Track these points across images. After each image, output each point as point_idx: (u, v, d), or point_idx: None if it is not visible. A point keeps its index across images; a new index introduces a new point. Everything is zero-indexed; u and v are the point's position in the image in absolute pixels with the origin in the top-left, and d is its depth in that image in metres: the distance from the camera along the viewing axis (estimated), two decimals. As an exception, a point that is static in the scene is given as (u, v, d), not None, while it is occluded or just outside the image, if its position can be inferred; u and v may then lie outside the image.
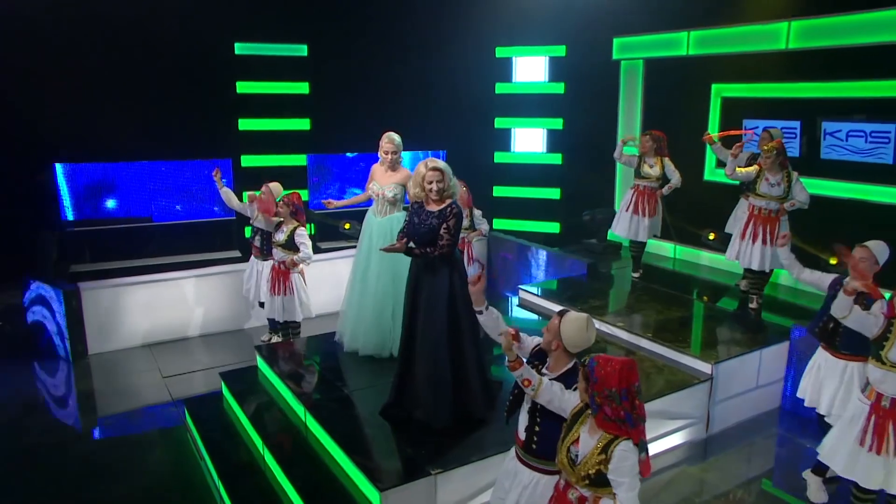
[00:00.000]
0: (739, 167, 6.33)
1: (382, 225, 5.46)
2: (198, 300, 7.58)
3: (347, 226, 8.91)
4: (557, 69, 9.93)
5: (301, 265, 6.21)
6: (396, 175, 5.49)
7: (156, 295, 7.36)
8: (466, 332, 4.35)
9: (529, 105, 10.07)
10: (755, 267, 6.32)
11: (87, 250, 7.98)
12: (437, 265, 4.23)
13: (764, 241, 6.25)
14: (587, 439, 2.82)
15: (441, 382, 4.35)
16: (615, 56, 9.07)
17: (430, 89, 9.62)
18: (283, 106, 9.04)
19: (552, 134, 10.19)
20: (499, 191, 10.30)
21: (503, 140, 10.32)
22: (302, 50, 9.06)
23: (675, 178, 7.22)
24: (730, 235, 6.82)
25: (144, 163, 8.30)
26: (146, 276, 7.37)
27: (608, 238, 8.84)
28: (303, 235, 6.10)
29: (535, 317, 6.91)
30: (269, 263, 6.54)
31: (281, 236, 6.13)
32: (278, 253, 6.17)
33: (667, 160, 7.26)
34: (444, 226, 4.17)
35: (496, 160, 10.42)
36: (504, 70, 10.18)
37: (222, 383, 5.80)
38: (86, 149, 8.06)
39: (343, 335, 5.76)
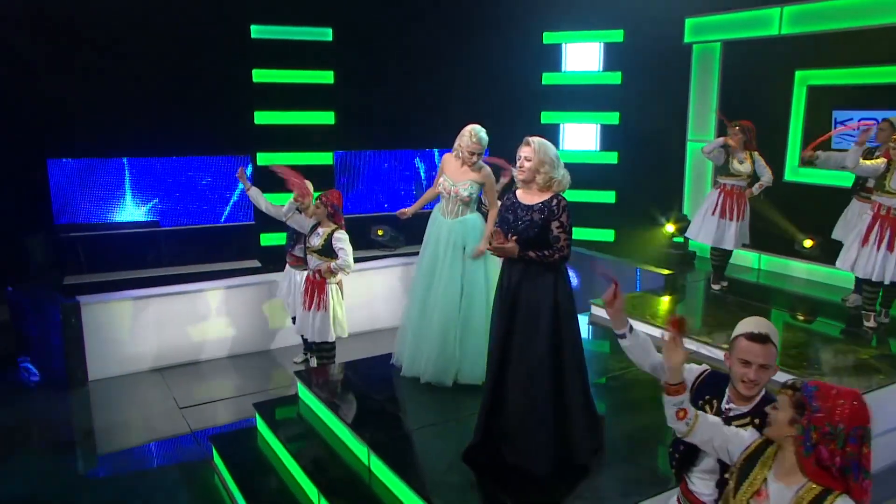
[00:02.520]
0: (863, 160, 5.75)
1: (453, 229, 5.03)
2: (215, 317, 7.18)
3: (380, 232, 8.54)
4: (614, 57, 9.58)
5: (339, 274, 5.78)
6: (474, 173, 5.05)
7: (165, 311, 6.95)
8: (570, 356, 3.90)
9: (581, 97, 9.73)
10: (886, 279, 5.74)
11: (84, 259, 7.67)
12: (541, 272, 3.81)
13: (890, 248, 5.68)
14: (781, 491, 2.27)
15: (541, 418, 3.89)
16: (687, 39, 8.69)
17: (468, 80, 9.41)
18: (305, 97, 8.80)
19: (607, 130, 9.85)
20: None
21: (550, 137, 8.83)
22: (326, 34, 8.86)
23: (767, 175, 6.81)
24: (835, 242, 6.46)
25: (149, 160, 8.02)
26: (154, 290, 6.99)
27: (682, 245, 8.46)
28: (343, 240, 5.64)
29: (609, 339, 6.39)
30: (304, 273, 6.15)
31: (317, 240, 5.71)
32: (313, 260, 5.74)
33: (757, 155, 6.85)
34: (556, 223, 3.77)
35: (542, 160, 9.91)
36: (552, 58, 9.89)
37: (256, 415, 5.28)
38: (83, 143, 7.80)
39: (401, 357, 5.32)
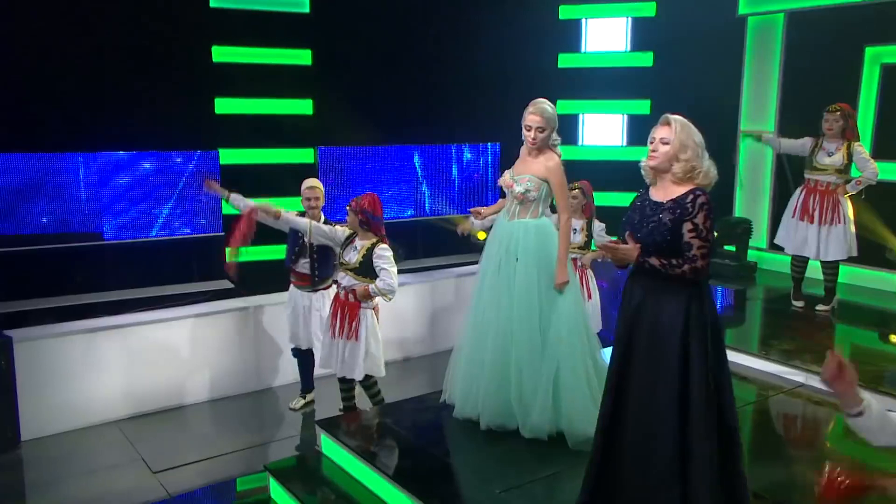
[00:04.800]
0: None
1: (509, 235, 4.75)
2: (185, 354, 6.73)
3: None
4: (644, 33, 9.55)
5: (377, 299, 5.45)
6: (537, 162, 4.72)
7: (122, 347, 6.45)
8: (699, 400, 3.50)
9: (604, 83, 9.64)
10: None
11: (6, 281, 7.06)
12: (669, 289, 3.53)
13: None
14: None
15: (666, 475, 3.53)
16: (742, 10, 8.65)
17: (470, 63, 9.27)
18: (277, 82, 8.45)
19: (635, 121, 9.72)
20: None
21: (568, 129, 9.71)
22: (302, 4, 8.45)
23: (870, 169, 6.59)
24: None
25: (86, 157, 7.48)
26: (105, 320, 6.53)
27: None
28: (386, 257, 5.32)
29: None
30: (320, 296, 6.12)
31: (353, 255, 5.42)
32: (347, 279, 5.43)
33: (857, 145, 6.65)
34: (689, 224, 3.45)
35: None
36: (570, 36, 9.83)
37: (270, 481, 4.81)
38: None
39: (453, 394, 5.03)
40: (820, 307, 7.01)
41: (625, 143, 9.85)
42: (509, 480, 4.22)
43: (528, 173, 4.70)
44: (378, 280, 5.26)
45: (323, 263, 6.01)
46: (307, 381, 6.41)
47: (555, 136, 4.69)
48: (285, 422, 6.33)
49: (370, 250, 5.32)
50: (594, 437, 3.75)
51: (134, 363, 6.52)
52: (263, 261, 7.78)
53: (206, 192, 6.07)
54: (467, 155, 9.40)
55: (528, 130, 4.65)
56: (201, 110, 8.05)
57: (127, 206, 7.65)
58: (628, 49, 9.64)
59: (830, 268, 6.93)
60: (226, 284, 7.59)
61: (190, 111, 7.94)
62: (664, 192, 3.57)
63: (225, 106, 8.18)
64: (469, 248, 9.18)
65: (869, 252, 7.57)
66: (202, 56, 8.01)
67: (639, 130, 9.56)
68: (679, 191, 3.51)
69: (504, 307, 4.67)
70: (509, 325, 4.65)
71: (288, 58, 8.41)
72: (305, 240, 5.93)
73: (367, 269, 5.32)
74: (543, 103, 4.68)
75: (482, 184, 9.48)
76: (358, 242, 5.42)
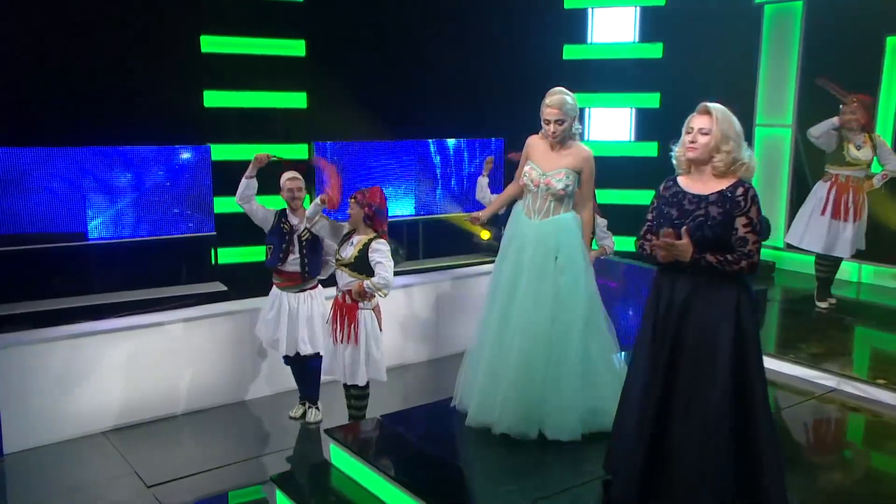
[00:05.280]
0: None
1: (545, 233, 4.70)
2: (175, 360, 6.65)
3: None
4: (653, 23, 9.50)
5: (376, 296, 5.47)
6: (570, 155, 4.70)
7: (108, 354, 6.34)
8: (759, 399, 3.62)
9: (612, 75, 9.58)
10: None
11: None
12: (718, 286, 3.59)
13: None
14: None
15: (719, 477, 3.58)
16: None
17: (475, 54, 9.28)
18: (270, 73, 8.43)
19: (644, 115, 9.74)
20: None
21: None
22: None
23: (894, 160, 6.65)
24: None
25: (68, 152, 7.35)
26: (89, 326, 6.43)
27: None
28: (382, 251, 5.37)
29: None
30: (307, 296, 6.05)
31: (349, 251, 5.45)
32: (344, 277, 5.46)
33: (878, 137, 6.74)
34: (744, 219, 3.50)
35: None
36: (576, 26, 9.78)
37: (277, 493, 4.71)
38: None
39: (466, 399, 4.97)
40: (824, 304, 7.07)
41: (633, 139, 9.81)
42: (535, 490, 4.12)
43: (561, 167, 4.66)
44: (375, 276, 5.28)
45: (313, 259, 5.96)
46: (310, 390, 6.31)
47: (576, 124, 4.67)
48: (284, 431, 6.25)
49: (366, 245, 5.35)
50: (636, 438, 3.73)
51: (123, 370, 6.46)
52: (254, 262, 7.74)
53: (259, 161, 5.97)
54: (468, 150, 9.38)
55: (548, 124, 4.63)
56: (190, 103, 8.00)
57: (112, 204, 7.58)
58: (637, 40, 9.59)
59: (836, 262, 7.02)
60: (217, 287, 7.58)
61: (178, 104, 7.87)
62: (703, 184, 3.56)
63: (215, 99, 8.14)
64: (472, 248, 9.29)
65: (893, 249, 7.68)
66: (191, 46, 7.96)
67: (647, 125, 9.66)
68: (722, 183, 3.51)
69: (538, 312, 4.63)
70: (543, 327, 4.61)
71: (281, 48, 8.37)
72: (294, 236, 5.90)
73: (362, 265, 5.34)
74: (561, 93, 4.64)
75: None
76: (355, 238, 5.43)
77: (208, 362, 6.81)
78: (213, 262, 7.96)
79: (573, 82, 9.10)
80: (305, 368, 6.13)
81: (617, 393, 4.08)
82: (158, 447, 6.11)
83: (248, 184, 5.90)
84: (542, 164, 4.70)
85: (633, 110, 9.73)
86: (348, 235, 5.53)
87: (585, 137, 9.81)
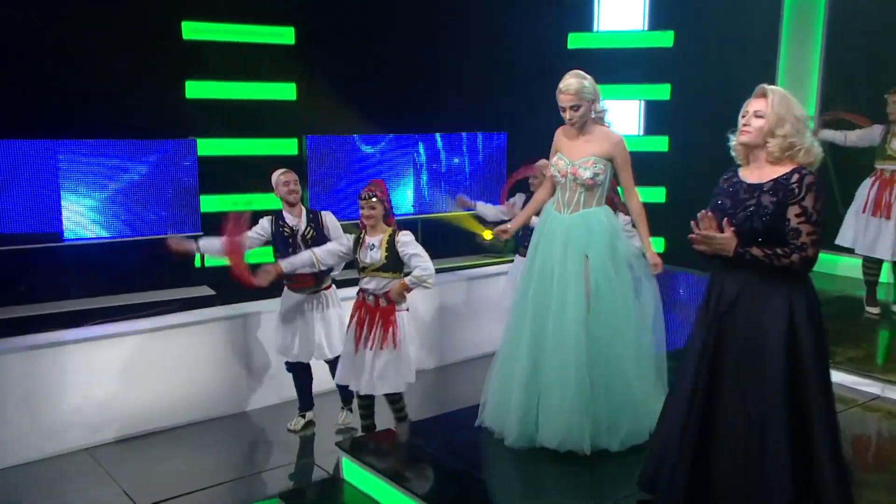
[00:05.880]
0: None
1: (574, 228, 4.66)
2: (163, 370, 6.63)
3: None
4: (663, 10, 9.54)
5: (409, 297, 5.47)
6: (597, 141, 4.69)
7: (89, 364, 6.29)
8: (819, 411, 3.53)
9: (619, 65, 9.49)
10: None
11: None
12: (769, 283, 3.54)
13: None
14: None
15: (780, 475, 3.50)
16: None
17: (474, 43, 9.31)
18: (256, 62, 8.41)
19: (654, 108, 9.74)
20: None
21: None
22: None
23: None
24: None
25: (40, 146, 7.28)
26: (68, 334, 6.37)
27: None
28: (411, 242, 5.34)
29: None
30: (322, 297, 6.09)
31: (376, 253, 5.34)
32: (374, 282, 5.39)
33: None
34: (797, 208, 3.43)
35: (566, 147, 9.71)
36: (581, 14, 9.79)
37: None
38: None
39: (494, 416, 4.91)
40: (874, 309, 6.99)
41: (642, 133, 9.78)
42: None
43: (588, 154, 4.65)
44: (417, 269, 5.26)
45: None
46: (306, 398, 6.28)
47: (598, 106, 4.68)
48: (283, 445, 6.22)
49: (392, 240, 5.33)
50: (678, 444, 3.73)
51: (105, 381, 6.37)
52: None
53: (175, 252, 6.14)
54: (469, 145, 9.34)
55: (563, 111, 4.65)
56: (170, 94, 7.95)
57: (88, 202, 7.54)
58: (646, 28, 9.59)
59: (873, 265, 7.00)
60: (204, 291, 7.62)
61: (157, 95, 7.81)
62: (759, 172, 3.55)
63: (197, 90, 8.08)
64: (475, 249, 9.18)
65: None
66: (172, 33, 7.90)
67: (658, 118, 9.65)
68: (779, 171, 3.48)
69: (575, 312, 4.59)
70: (580, 330, 4.56)
71: (268, 36, 8.33)
72: (297, 237, 5.91)
73: (394, 263, 5.31)
74: (573, 76, 4.66)
75: (488, 177, 9.37)
76: (371, 239, 5.37)
77: (198, 372, 6.76)
78: (199, 264, 7.91)
79: (579, 72, 9.36)
80: (311, 376, 6.19)
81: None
82: (149, 464, 6.07)
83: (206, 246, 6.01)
84: (570, 154, 4.70)
85: (643, 103, 9.70)
86: (360, 241, 5.47)
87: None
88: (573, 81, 4.61)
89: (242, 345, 6.84)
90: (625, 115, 9.76)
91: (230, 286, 7.27)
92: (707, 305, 3.69)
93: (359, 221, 5.49)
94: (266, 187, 8.04)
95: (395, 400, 5.61)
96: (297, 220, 5.84)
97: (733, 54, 8.68)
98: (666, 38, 9.40)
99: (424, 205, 8.96)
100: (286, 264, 5.59)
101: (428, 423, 5.62)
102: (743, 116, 3.54)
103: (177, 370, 6.66)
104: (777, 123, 3.45)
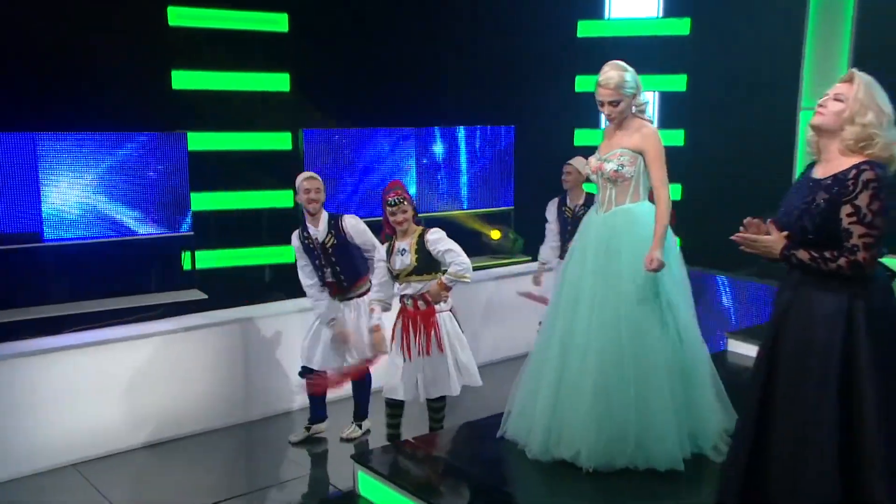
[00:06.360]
0: None
1: (607, 227, 4.67)
2: (154, 380, 6.51)
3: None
4: None
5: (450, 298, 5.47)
6: (626, 133, 4.67)
7: (75, 374, 6.16)
8: (872, 413, 3.37)
9: (632, 55, 8.97)
10: None
11: None
12: (822, 288, 3.44)
13: None
14: None
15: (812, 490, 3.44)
16: None
17: (480, 31, 9.42)
18: (247, 51, 8.33)
19: (669, 99, 9.62)
20: (585, 186, 9.43)
21: (589, 109, 9.47)
22: None
23: None
24: None
25: (18, 139, 7.15)
26: (50, 341, 6.23)
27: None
28: (443, 239, 5.31)
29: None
30: (356, 305, 6.09)
31: (407, 257, 5.35)
32: (411, 287, 5.40)
33: None
34: (849, 207, 3.28)
35: (577, 141, 9.59)
36: (591, 1, 9.70)
37: None
38: None
39: (520, 428, 4.89)
40: None
41: (656, 126, 9.39)
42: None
43: (620, 146, 4.64)
44: (455, 266, 5.21)
45: (347, 266, 5.92)
46: (318, 408, 6.21)
47: (639, 99, 4.60)
48: (286, 459, 6.12)
49: (421, 240, 5.31)
50: (737, 443, 3.77)
51: (91, 392, 6.21)
52: (237, 267, 7.92)
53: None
54: (477, 138, 9.30)
55: (601, 107, 4.62)
56: (155, 84, 7.87)
57: (71, 200, 7.42)
58: (661, 14, 9.50)
59: None
60: (196, 295, 7.58)
61: (141, 85, 7.74)
62: (826, 166, 3.41)
63: (184, 80, 8.00)
64: (482, 249, 9.06)
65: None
66: (156, 18, 7.79)
67: (674, 110, 9.55)
68: (845, 164, 3.32)
69: (605, 318, 4.59)
70: (614, 338, 4.54)
71: (259, 23, 8.24)
72: (319, 247, 5.88)
73: (428, 264, 5.31)
74: (613, 68, 4.55)
75: (495, 173, 9.28)
76: (401, 243, 5.37)
77: (192, 381, 6.65)
78: (190, 266, 7.85)
79: (588, 63, 9.19)
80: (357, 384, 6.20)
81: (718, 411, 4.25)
82: (140, 481, 5.96)
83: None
84: (602, 149, 4.72)
85: (657, 94, 9.57)
86: (390, 248, 5.45)
87: (602, 125, 9.51)
88: (614, 74, 4.50)
89: (239, 352, 6.77)
90: (637, 107, 9.67)
91: (221, 291, 7.44)
92: (774, 307, 3.65)
93: (383, 226, 5.49)
94: (256, 184, 7.97)
95: (438, 408, 5.58)
96: (316, 229, 5.75)
97: (754, 44, 8.62)
98: (682, 26, 9.32)
99: (429, 203, 8.88)
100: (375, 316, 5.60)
101: (446, 433, 5.60)
102: (822, 97, 3.41)
103: (169, 380, 6.55)
104: (859, 111, 3.32)
